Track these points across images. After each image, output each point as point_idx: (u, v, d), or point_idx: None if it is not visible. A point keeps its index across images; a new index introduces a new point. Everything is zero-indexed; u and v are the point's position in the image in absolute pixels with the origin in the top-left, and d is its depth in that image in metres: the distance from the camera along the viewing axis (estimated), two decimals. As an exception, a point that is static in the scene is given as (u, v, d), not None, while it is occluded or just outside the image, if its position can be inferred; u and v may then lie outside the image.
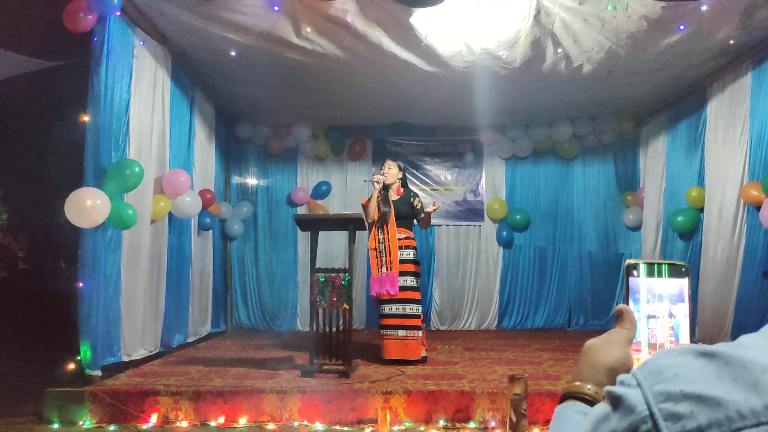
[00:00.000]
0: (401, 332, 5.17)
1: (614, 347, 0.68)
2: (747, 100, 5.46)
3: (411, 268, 5.29)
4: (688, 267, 0.69)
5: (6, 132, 7.94)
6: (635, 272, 0.70)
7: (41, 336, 6.39)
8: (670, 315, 0.68)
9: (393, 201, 5.34)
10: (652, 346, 0.69)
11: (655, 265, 0.69)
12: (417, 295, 5.31)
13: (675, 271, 0.69)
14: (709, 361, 0.41)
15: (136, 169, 4.60)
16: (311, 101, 6.97)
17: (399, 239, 5.24)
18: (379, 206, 5.26)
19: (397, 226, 5.26)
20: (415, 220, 5.47)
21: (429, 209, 5.28)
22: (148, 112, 5.20)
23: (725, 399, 0.38)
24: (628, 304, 0.70)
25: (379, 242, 5.21)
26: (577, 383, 0.69)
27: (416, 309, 5.25)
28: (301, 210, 7.99)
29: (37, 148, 8.21)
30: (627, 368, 0.67)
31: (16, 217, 8.52)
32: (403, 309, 5.18)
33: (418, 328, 5.23)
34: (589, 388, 0.67)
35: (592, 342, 0.71)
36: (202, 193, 6.35)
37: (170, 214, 5.68)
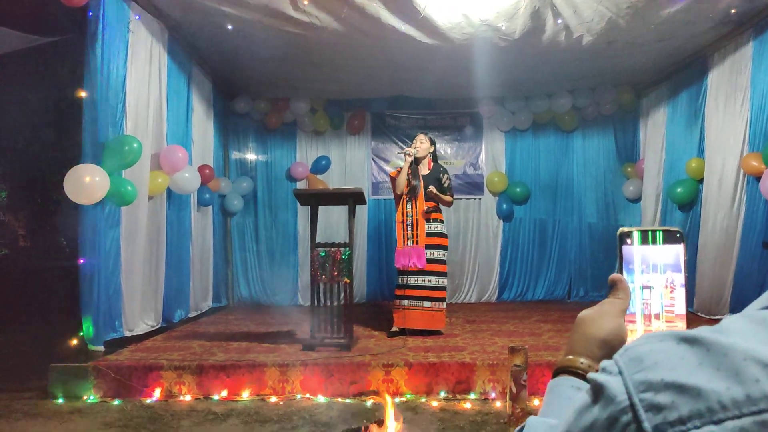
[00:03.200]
0: (426, 303, 5.20)
1: (607, 319, 0.66)
2: (748, 69, 5.41)
3: (439, 241, 5.28)
4: (682, 232, 0.67)
5: (2, 109, 7.89)
6: (629, 240, 0.68)
7: (43, 312, 6.44)
8: (668, 284, 0.67)
9: (423, 175, 5.30)
10: (647, 317, 0.68)
11: (649, 232, 0.67)
12: (444, 268, 5.32)
13: (669, 238, 0.67)
14: (690, 347, 0.40)
15: (135, 145, 4.58)
16: (309, 75, 6.91)
17: (427, 212, 5.23)
18: (408, 179, 5.22)
19: (426, 200, 5.24)
20: None
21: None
22: (144, 88, 5.16)
23: (706, 388, 0.37)
24: (621, 273, 0.68)
25: (406, 215, 5.19)
26: (570, 357, 0.68)
27: (443, 281, 5.27)
28: (301, 185, 7.98)
29: (34, 125, 8.17)
30: (621, 340, 0.66)
31: (16, 194, 8.52)
32: (429, 281, 5.19)
33: (443, 300, 5.27)
34: (582, 362, 0.66)
35: (584, 314, 0.69)
36: (200, 168, 6.33)
37: (169, 190, 5.66)
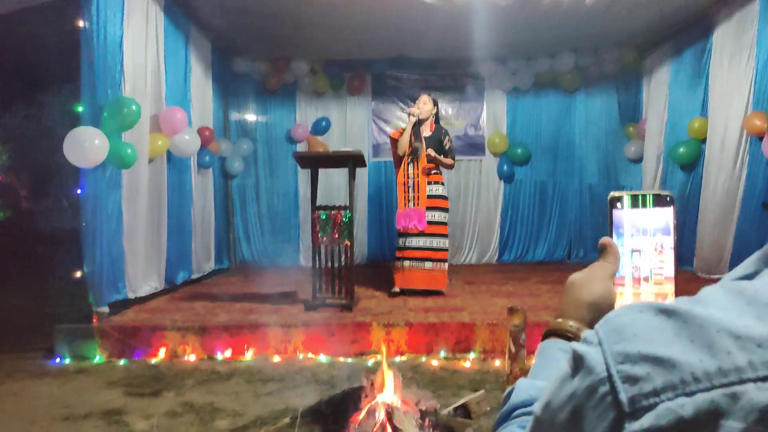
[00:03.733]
0: (428, 264, 5.23)
1: (596, 282, 0.68)
2: (754, 27, 5.32)
3: (440, 203, 5.29)
4: (672, 196, 0.68)
5: (1, 72, 7.82)
6: (619, 204, 0.68)
7: (47, 273, 6.49)
8: (657, 247, 0.68)
9: (425, 137, 5.26)
10: (636, 280, 0.69)
11: (639, 197, 0.68)
12: (445, 230, 5.34)
13: (659, 201, 0.67)
14: (668, 319, 0.40)
15: (134, 107, 4.55)
16: (309, 35, 6.80)
17: (427, 173, 5.23)
18: (411, 141, 5.19)
19: (427, 161, 5.23)
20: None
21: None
22: (141, 49, 5.09)
23: (680, 360, 0.38)
24: (611, 237, 0.69)
25: (408, 177, 5.19)
26: (560, 320, 0.69)
27: (444, 243, 5.30)
28: (301, 147, 7.94)
29: (33, 88, 8.10)
30: (609, 303, 0.67)
31: (17, 156, 8.51)
32: (430, 242, 5.22)
33: (444, 261, 5.31)
34: (571, 324, 0.68)
35: (574, 277, 0.70)
36: (200, 130, 6.29)
37: (169, 152, 5.65)
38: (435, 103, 5.38)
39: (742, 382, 0.36)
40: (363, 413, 2.42)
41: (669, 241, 0.67)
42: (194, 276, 6.48)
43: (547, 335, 0.70)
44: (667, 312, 0.41)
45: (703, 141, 6.17)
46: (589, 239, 8.02)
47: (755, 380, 0.36)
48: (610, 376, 0.40)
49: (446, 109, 8.07)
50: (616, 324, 0.43)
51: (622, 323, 0.42)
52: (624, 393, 0.39)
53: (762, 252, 0.46)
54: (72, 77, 4.73)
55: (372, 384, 2.58)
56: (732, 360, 0.37)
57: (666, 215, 0.67)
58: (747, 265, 0.46)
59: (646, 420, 0.37)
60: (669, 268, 0.68)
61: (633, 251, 0.68)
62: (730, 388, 0.36)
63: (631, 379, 0.39)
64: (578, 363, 0.43)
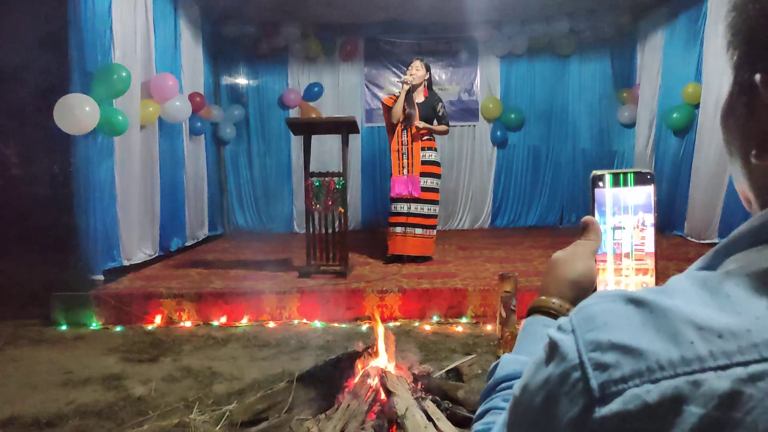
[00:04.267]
0: (419, 230, 5.27)
1: (578, 261, 0.70)
2: (750, -9, 5.27)
3: (433, 169, 5.30)
4: (654, 174, 0.69)
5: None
6: (601, 183, 0.70)
7: (41, 241, 6.49)
8: (638, 224, 0.70)
9: (417, 103, 5.24)
10: (617, 256, 0.71)
11: (621, 175, 0.70)
12: (436, 196, 5.37)
13: (641, 179, 0.69)
14: (636, 308, 0.43)
15: (123, 74, 4.50)
16: (300, -2, 6.69)
17: (421, 140, 5.23)
18: (404, 108, 5.18)
19: (418, 131, 5.22)
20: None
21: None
22: (130, 14, 5.02)
23: (646, 349, 0.40)
24: (594, 215, 0.71)
25: (402, 144, 5.19)
26: (543, 298, 0.72)
27: (434, 209, 5.34)
28: (293, 112, 7.89)
29: (19, 51, 7.96)
30: (590, 280, 0.70)
31: (4, 121, 8.40)
32: (422, 209, 5.25)
33: (434, 227, 5.35)
34: (554, 302, 0.70)
35: (558, 255, 0.73)
36: (191, 96, 6.24)
37: (160, 119, 5.61)
38: (427, 69, 5.33)
39: (703, 370, 0.38)
40: (357, 378, 2.47)
41: (650, 218, 0.69)
42: (188, 243, 6.50)
43: (531, 312, 0.73)
44: (635, 302, 0.43)
45: (697, 106, 6.17)
46: (581, 204, 8.07)
47: (715, 369, 0.38)
48: (581, 363, 0.42)
49: (440, 74, 8.01)
50: (588, 313, 0.45)
51: (594, 312, 0.44)
52: (594, 379, 0.41)
53: (724, 243, 0.48)
54: (59, 42, 4.66)
55: (366, 349, 2.63)
56: (694, 349, 0.39)
57: (647, 193, 0.69)
58: (712, 255, 0.49)
59: (615, 405, 0.40)
60: (650, 244, 0.70)
61: (615, 228, 0.70)
62: (692, 376, 0.38)
63: (602, 367, 0.41)
64: (553, 349, 0.45)
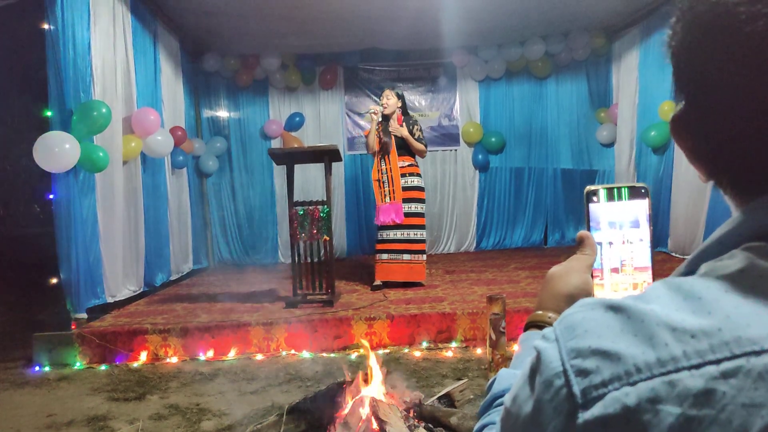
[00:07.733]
0: (406, 256, 5.27)
1: (574, 275, 0.71)
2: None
3: (416, 194, 5.32)
4: (647, 188, 0.70)
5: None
6: (595, 198, 0.71)
7: (22, 281, 6.39)
8: (633, 238, 0.70)
9: (393, 130, 5.28)
10: (613, 270, 0.71)
11: (615, 189, 0.70)
12: (422, 221, 5.38)
13: (635, 193, 0.70)
14: (615, 314, 0.44)
15: (104, 110, 4.49)
16: (278, 29, 6.76)
17: (402, 167, 5.25)
18: (379, 137, 5.21)
19: (399, 155, 5.24)
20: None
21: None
22: (110, 50, 5.02)
23: (625, 353, 0.41)
24: (589, 230, 0.72)
25: (381, 173, 5.22)
26: (540, 312, 0.73)
27: (421, 234, 5.34)
28: (275, 143, 7.90)
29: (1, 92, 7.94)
30: (586, 294, 0.70)
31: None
32: (408, 234, 5.25)
33: (422, 252, 5.34)
34: (550, 316, 0.71)
35: (554, 270, 0.74)
36: (173, 130, 6.23)
37: (143, 153, 5.59)
38: (399, 96, 5.40)
39: (677, 370, 0.40)
40: (348, 408, 2.44)
41: (645, 231, 0.70)
42: (173, 277, 6.43)
43: (528, 326, 0.74)
44: (614, 308, 0.44)
45: (673, 123, 6.25)
46: (565, 223, 8.13)
47: (689, 368, 0.39)
48: (564, 371, 0.43)
49: (419, 100, 8.09)
50: (570, 322, 0.46)
51: (575, 321, 0.46)
52: (577, 386, 0.42)
53: (699, 251, 0.49)
54: (39, 81, 4.65)
55: (356, 378, 2.60)
56: (669, 351, 0.40)
57: (641, 206, 0.70)
58: (687, 263, 0.50)
59: (596, 409, 0.41)
60: (645, 257, 0.71)
61: (610, 243, 0.71)
62: (667, 377, 0.40)
63: (583, 373, 0.42)
64: (538, 359, 0.46)
